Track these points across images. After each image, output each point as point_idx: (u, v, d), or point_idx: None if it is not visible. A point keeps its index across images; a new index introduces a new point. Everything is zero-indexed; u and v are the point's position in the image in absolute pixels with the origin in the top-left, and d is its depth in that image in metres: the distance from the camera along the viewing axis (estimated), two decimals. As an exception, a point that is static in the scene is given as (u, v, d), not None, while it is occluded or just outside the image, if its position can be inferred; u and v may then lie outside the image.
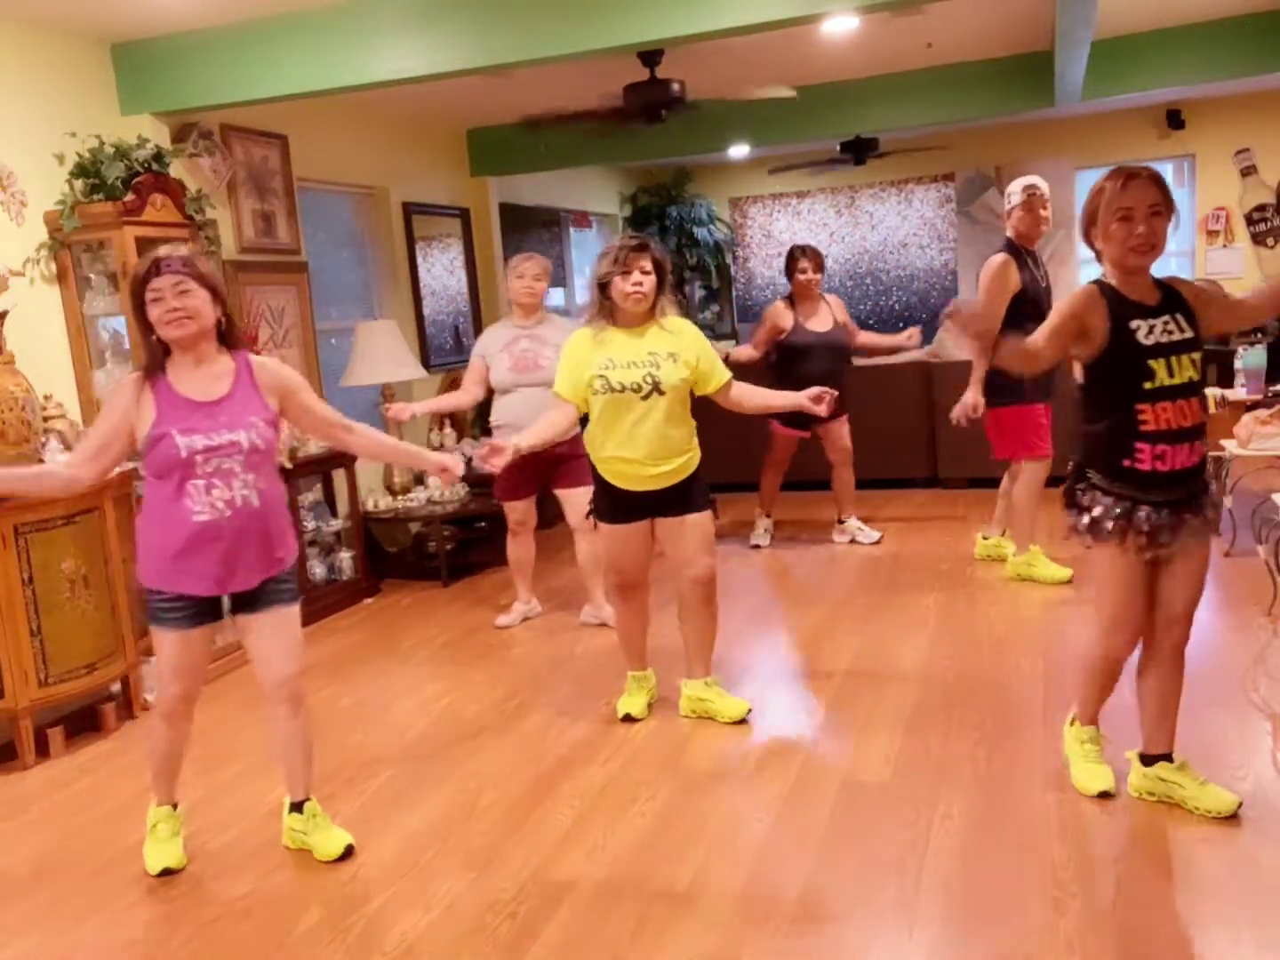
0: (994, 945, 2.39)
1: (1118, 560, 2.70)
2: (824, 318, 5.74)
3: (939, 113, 6.85)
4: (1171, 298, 2.67)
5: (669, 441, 3.49)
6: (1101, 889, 2.56)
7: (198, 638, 2.82)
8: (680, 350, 3.50)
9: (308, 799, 3.01)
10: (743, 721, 3.66)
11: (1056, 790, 3.03)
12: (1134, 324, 2.60)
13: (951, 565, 5.38)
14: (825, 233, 10.37)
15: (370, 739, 3.83)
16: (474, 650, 4.74)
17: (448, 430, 6.77)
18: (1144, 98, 8.02)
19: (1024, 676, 3.89)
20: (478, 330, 7.54)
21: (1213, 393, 5.62)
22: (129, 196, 4.22)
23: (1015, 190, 4.80)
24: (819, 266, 5.71)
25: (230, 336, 2.82)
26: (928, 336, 7.45)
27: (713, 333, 10.14)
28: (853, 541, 5.94)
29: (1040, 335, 2.73)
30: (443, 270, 7.30)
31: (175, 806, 3.02)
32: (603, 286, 3.48)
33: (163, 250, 2.74)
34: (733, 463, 5.76)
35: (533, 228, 8.58)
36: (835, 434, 5.82)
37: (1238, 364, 6.15)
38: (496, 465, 3.34)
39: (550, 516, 7.01)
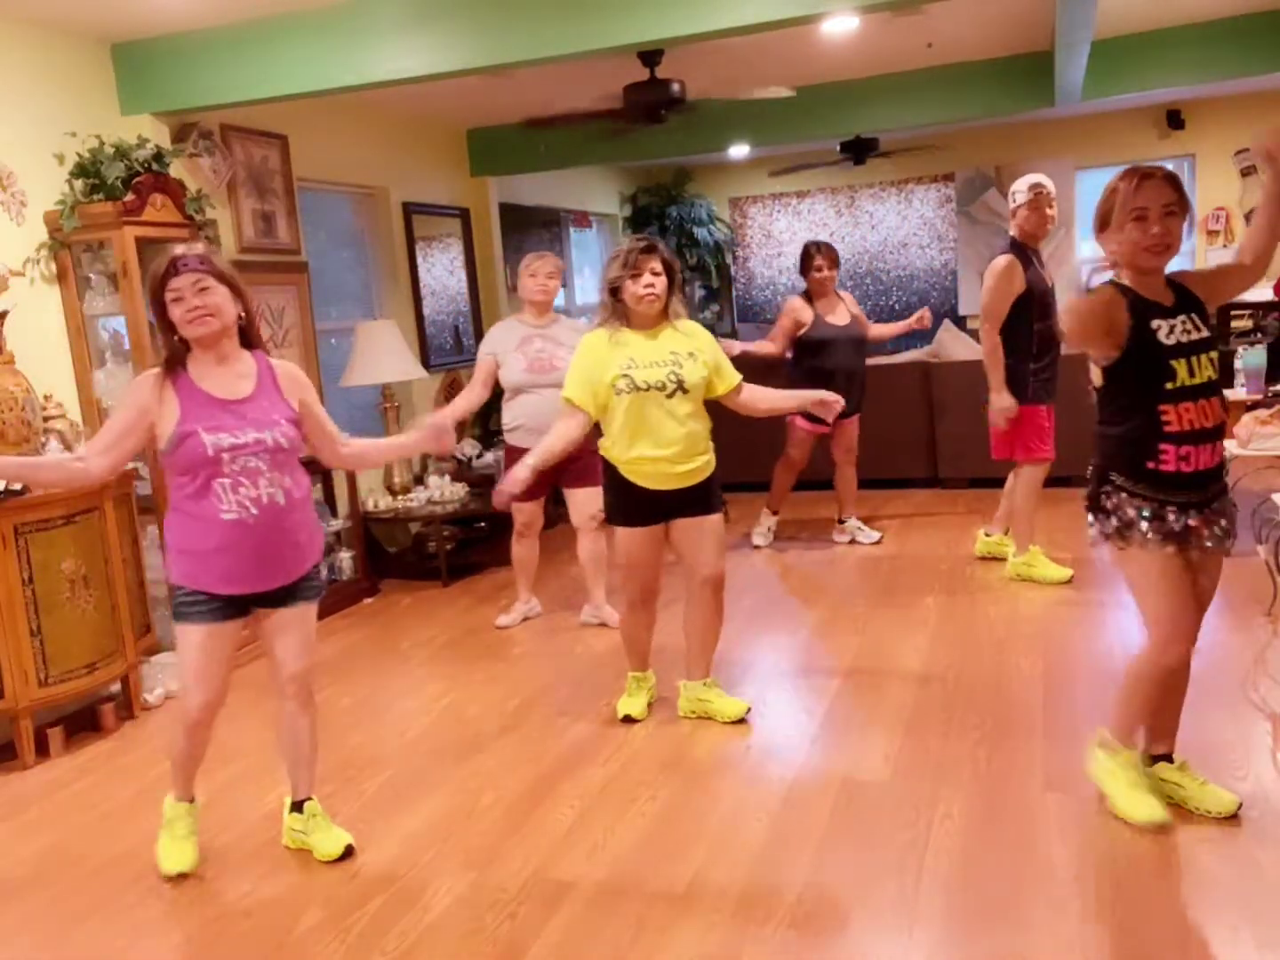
0: (994, 945, 2.39)
1: (1157, 565, 2.63)
2: (841, 312, 5.72)
3: (939, 113, 6.85)
4: (1184, 297, 2.65)
5: (694, 440, 3.49)
6: (1101, 889, 2.56)
7: (224, 633, 2.77)
8: (698, 350, 3.51)
9: (309, 798, 3.02)
10: (742, 721, 3.66)
11: (1056, 790, 3.04)
12: (1155, 324, 2.58)
13: (951, 565, 5.38)
14: (825, 233, 10.36)
15: (370, 739, 3.83)
16: (474, 650, 4.74)
17: (448, 430, 6.76)
18: (1144, 98, 8.02)
19: (1024, 677, 3.89)
20: (478, 330, 7.56)
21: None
22: (129, 196, 4.22)
23: (1021, 189, 4.77)
24: (834, 263, 5.67)
25: (250, 334, 2.80)
26: (928, 337, 7.46)
27: (713, 333, 10.12)
28: (852, 541, 5.94)
29: (1077, 300, 2.70)
30: (443, 270, 7.30)
31: (192, 801, 2.98)
32: (614, 290, 3.46)
33: (179, 249, 2.72)
34: (738, 462, 5.72)
35: (533, 228, 8.58)
36: (848, 432, 5.80)
37: (1238, 364, 6.15)
38: (513, 491, 3.42)
39: (552, 516, 7.02)
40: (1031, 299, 4.68)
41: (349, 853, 2.96)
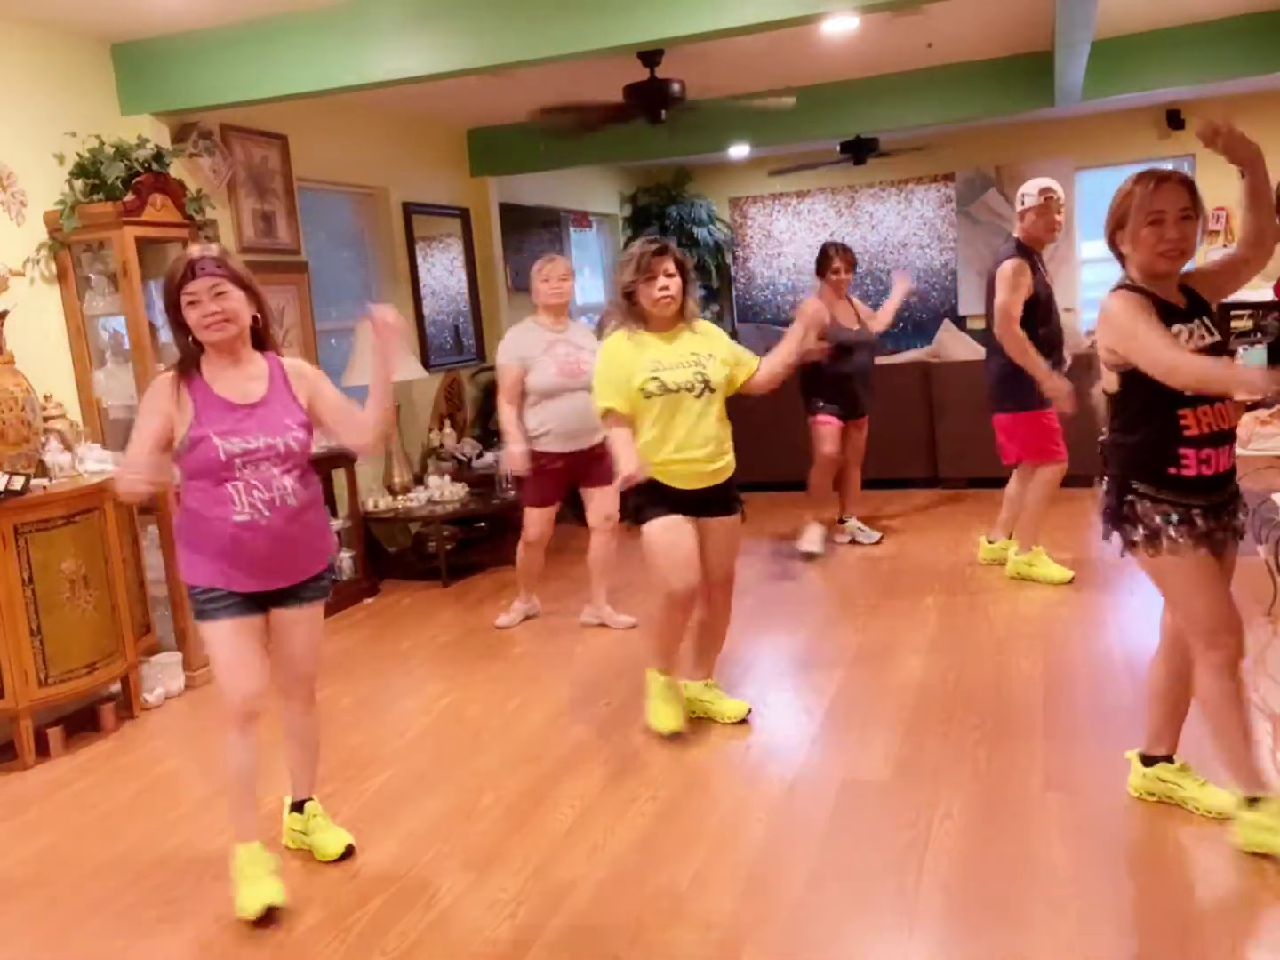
0: (994, 945, 2.39)
1: (1194, 568, 2.58)
2: (851, 316, 5.67)
3: (939, 113, 6.85)
4: (1194, 301, 2.63)
5: (722, 438, 3.48)
6: (1101, 889, 2.56)
7: (251, 626, 2.72)
8: (715, 350, 3.50)
9: (309, 798, 3.02)
10: (743, 722, 3.66)
11: (1056, 790, 3.04)
12: (1175, 328, 2.54)
13: (951, 565, 5.38)
14: (825, 233, 10.35)
15: (370, 739, 3.83)
16: (474, 650, 4.74)
17: (447, 430, 6.78)
18: (1144, 98, 8.01)
19: (1024, 677, 3.89)
20: (478, 330, 7.56)
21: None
22: (129, 196, 4.21)
23: (1031, 191, 4.73)
24: (851, 266, 5.61)
25: (265, 336, 2.76)
26: (927, 337, 7.45)
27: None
28: (853, 541, 5.94)
29: (1170, 346, 2.49)
30: (443, 270, 7.30)
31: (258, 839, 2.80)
32: (628, 294, 3.42)
33: (195, 251, 2.67)
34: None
35: (533, 228, 8.57)
36: (859, 434, 5.78)
37: (1238, 364, 6.15)
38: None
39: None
40: (1037, 303, 4.66)
41: (349, 852, 2.96)
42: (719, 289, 10.86)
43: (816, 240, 10.21)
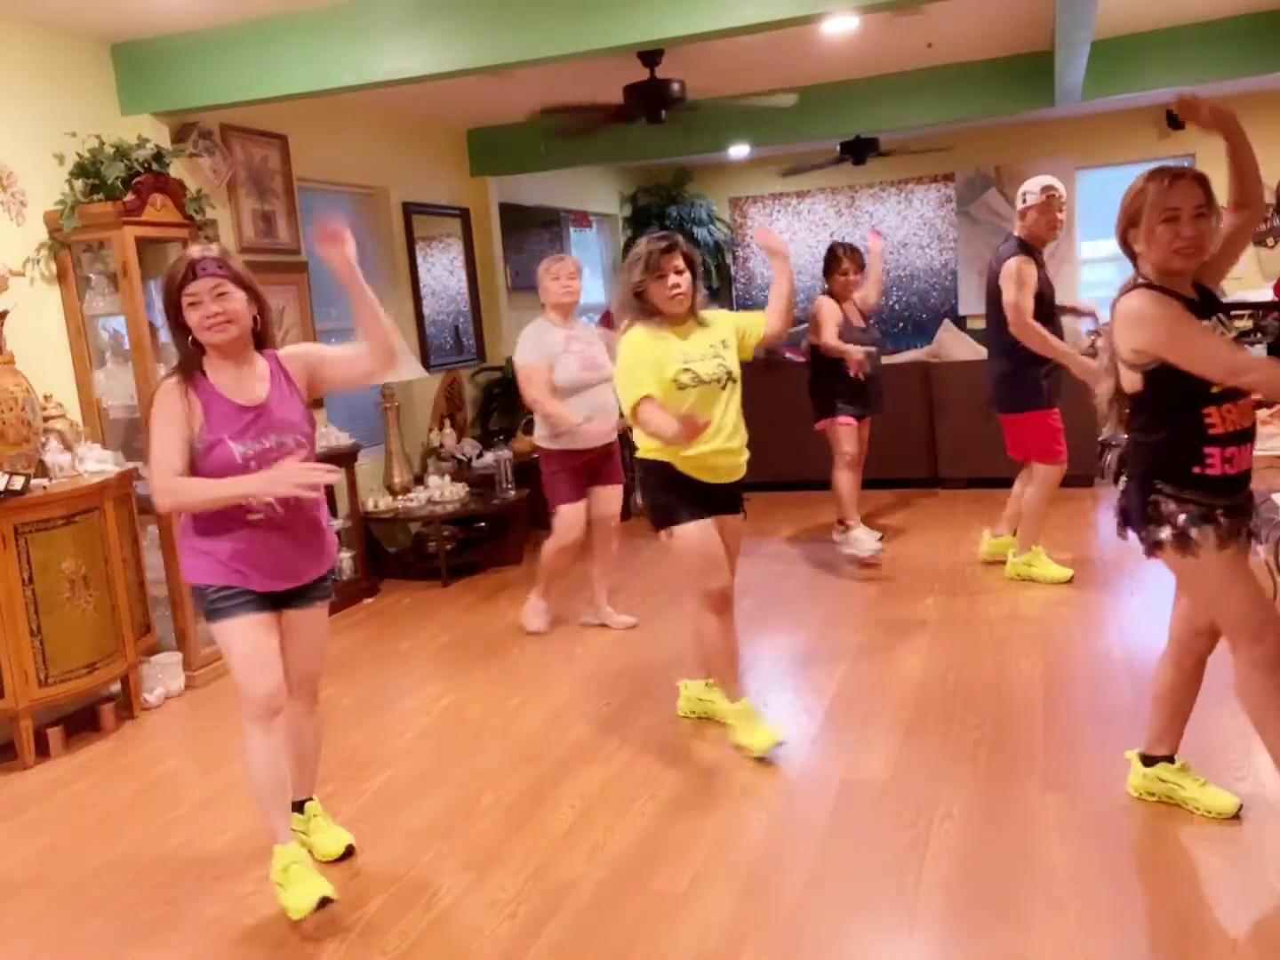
0: (994, 945, 2.39)
1: (1225, 565, 2.54)
2: (857, 315, 5.64)
3: (939, 113, 6.85)
4: (1207, 297, 2.61)
5: (743, 433, 3.46)
6: (1101, 889, 2.56)
7: (267, 623, 2.69)
8: (726, 336, 3.48)
9: (310, 798, 3.02)
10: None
11: (1056, 790, 3.04)
12: (1201, 325, 2.51)
13: (951, 565, 5.38)
14: (825, 233, 10.36)
15: (370, 739, 3.83)
16: (474, 650, 4.74)
17: (447, 430, 6.78)
18: (1144, 98, 8.00)
19: (1024, 677, 3.89)
20: (478, 330, 7.56)
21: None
22: (129, 196, 4.21)
23: (1033, 190, 4.71)
24: (860, 266, 5.57)
25: (264, 336, 2.72)
26: (927, 337, 7.44)
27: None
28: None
29: (1231, 346, 2.49)
30: (443, 270, 7.30)
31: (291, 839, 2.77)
32: (638, 294, 3.38)
33: (195, 251, 2.63)
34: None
35: (533, 228, 8.57)
36: (865, 431, 5.74)
37: None
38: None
39: (549, 517, 7.01)
40: (1041, 302, 4.66)
41: (349, 852, 2.96)
42: (719, 289, 10.86)
43: (817, 240, 10.24)
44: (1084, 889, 2.56)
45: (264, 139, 5.58)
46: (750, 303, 10.90)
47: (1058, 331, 4.82)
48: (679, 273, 3.36)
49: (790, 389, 6.08)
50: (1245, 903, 2.47)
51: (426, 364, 6.69)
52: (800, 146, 8.95)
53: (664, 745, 3.57)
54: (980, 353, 6.89)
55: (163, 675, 4.38)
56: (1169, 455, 2.57)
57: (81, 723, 4.08)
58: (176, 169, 4.66)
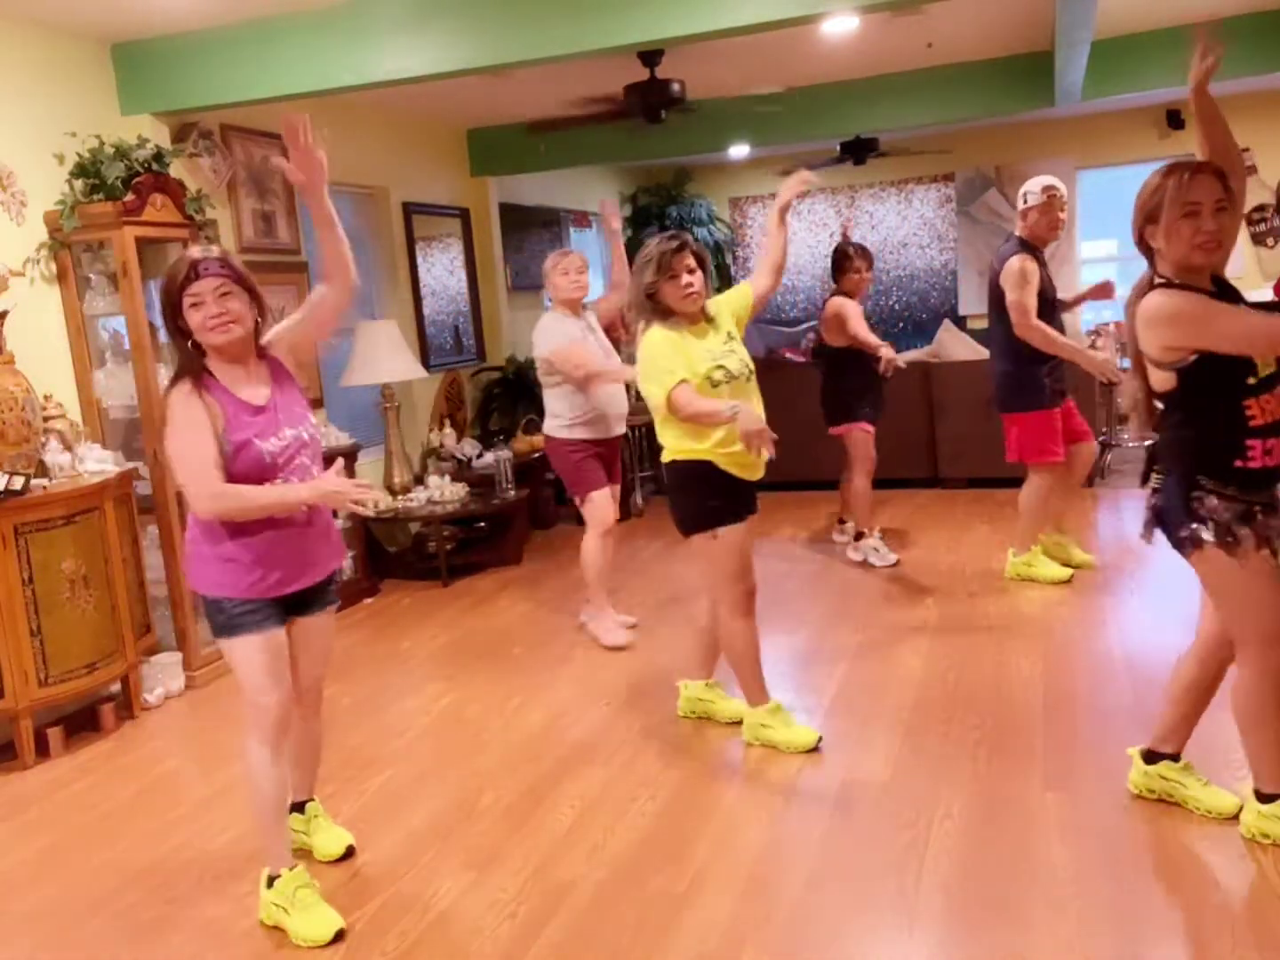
0: (994, 945, 2.39)
1: (1258, 568, 2.50)
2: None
3: (939, 113, 6.85)
4: (1226, 292, 2.58)
5: None
6: (1101, 889, 2.56)
7: (281, 638, 2.65)
8: (731, 328, 3.45)
9: (311, 799, 3.02)
10: (743, 723, 3.66)
11: (1056, 790, 3.04)
12: None
13: (951, 565, 5.38)
14: (825, 233, 10.36)
15: (370, 739, 3.83)
16: (474, 650, 4.74)
17: (447, 430, 6.78)
18: (1144, 98, 8.01)
19: (1024, 677, 3.89)
20: (478, 330, 7.57)
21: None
22: (129, 196, 4.21)
23: (1034, 189, 4.71)
24: (870, 264, 5.53)
25: (257, 336, 2.67)
26: (927, 337, 7.44)
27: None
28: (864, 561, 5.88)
29: (1264, 319, 2.42)
30: (443, 270, 7.30)
31: (296, 866, 2.71)
32: (650, 295, 3.34)
33: (197, 251, 2.57)
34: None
35: (533, 228, 8.57)
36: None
37: None
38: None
39: (549, 517, 7.02)
40: (1044, 302, 4.65)
41: (350, 853, 2.96)
42: (719, 289, 10.86)
43: (817, 240, 10.24)
44: (1084, 889, 2.56)
45: (264, 139, 5.58)
46: (750, 303, 10.88)
47: (1060, 329, 4.82)
48: (691, 272, 3.33)
49: (790, 389, 6.08)
50: (1245, 902, 2.47)
51: (426, 364, 6.69)
52: (800, 146, 8.96)
53: (664, 745, 3.57)
54: (980, 353, 6.90)
55: (163, 675, 4.38)
56: (1210, 449, 2.52)
57: (81, 723, 4.08)
58: (176, 169, 4.66)
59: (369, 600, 5.67)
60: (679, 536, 3.48)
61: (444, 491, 6.04)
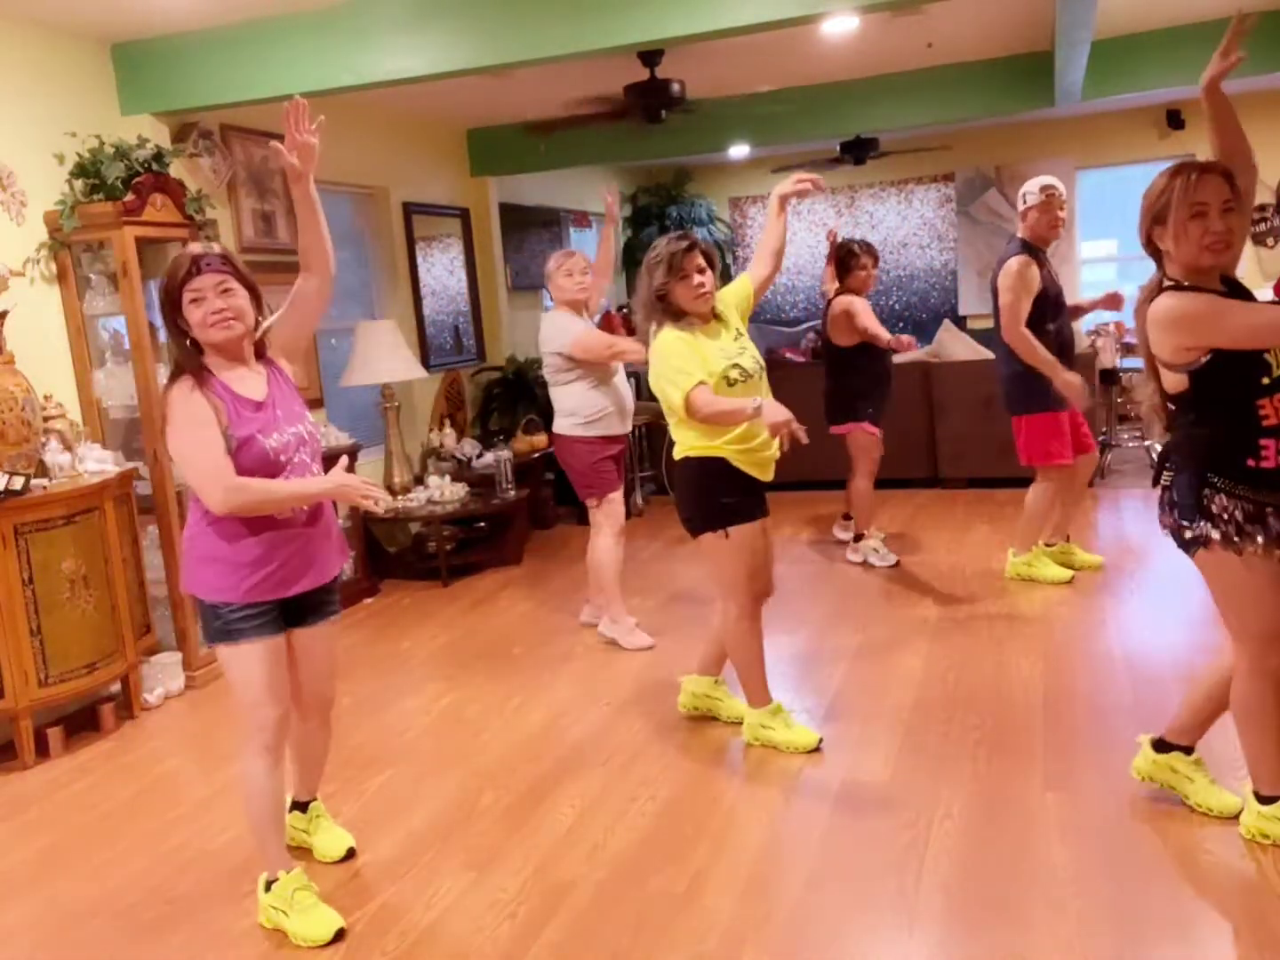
0: (994, 945, 2.39)
1: (1263, 569, 2.49)
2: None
3: (939, 113, 6.85)
4: (1235, 289, 2.57)
5: None
6: (1101, 889, 2.56)
7: (281, 646, 2.61)
8: (739, 325, 3.44)
9: (314, 799, 3.02)
10: (743, 723, 3.66)
11: (1056, 790, 3.04)
12: None
13: (951, 565, 5.38)
14: (825, 232, 10.35)
15: (370, 739, 3.83)
16: (474, 650, 4.74)
17: (447, 430, 6.78)
18: (1144, 98, 8.01)
19: (1024, 677, 3.89)
20: (478, 330, 7.58)
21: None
22: (129, 196, 4.21)
23: (1032, 190, 4.72)
24: (876, 261, 5.50)
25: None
26: (927, 337, 7.44)
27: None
28: (865, 563, 5.88)
29: (1267, 311, 2.41)
30: (443, 270, 7.30)
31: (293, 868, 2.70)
32: (661, 296, 3.32)
33: (198, 248, 2.56)
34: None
35: (533, 228, 8.57)
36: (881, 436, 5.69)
37: None
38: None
39: (549, 517, 7.02)
40: (1046, 301, 4.65)
41: (350, 855, 2.96)
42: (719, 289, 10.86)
43: (817, 240, 10.22)
44: (1084, 889, 2.56)
45: (264, 139, 5.58)
46: (750, 303, 10.88)
47: (1066, 329, 4.82)
48: (701, 271, 3.31)
49: (790, 389, 6.02)
50: (1245, 902, 2.47)
51: (426, 364, 6.69)
52: (800, 146, 8.95)
53: (664, 745, 3.57)
54: (980, 353, 6.91)
55: (163, 675, 4.38)
56: (1222, 448, 2.51)
57: (81, 723, 4.08)
58: (176, 169, 4.66)
59: (369, 600, 5.67)
60: (678, 536, 3.48)
61: (444, 491, 6.04)
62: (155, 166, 4.37)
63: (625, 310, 8.28)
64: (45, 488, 3.83)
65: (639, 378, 6.40)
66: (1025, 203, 4.74)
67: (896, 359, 7.32)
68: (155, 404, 4.21)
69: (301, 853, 2.99)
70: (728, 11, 4.01)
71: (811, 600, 5.07)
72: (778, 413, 3.05)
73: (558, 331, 4.57)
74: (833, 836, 2.90)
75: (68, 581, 3.85)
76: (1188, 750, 2.88)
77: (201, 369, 2.54)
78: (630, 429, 4.76)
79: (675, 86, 5.36)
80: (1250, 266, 9.00)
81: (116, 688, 4.20)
